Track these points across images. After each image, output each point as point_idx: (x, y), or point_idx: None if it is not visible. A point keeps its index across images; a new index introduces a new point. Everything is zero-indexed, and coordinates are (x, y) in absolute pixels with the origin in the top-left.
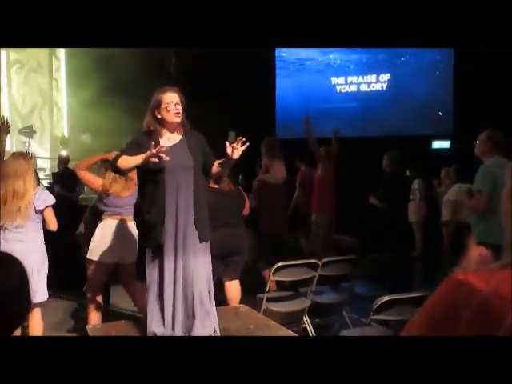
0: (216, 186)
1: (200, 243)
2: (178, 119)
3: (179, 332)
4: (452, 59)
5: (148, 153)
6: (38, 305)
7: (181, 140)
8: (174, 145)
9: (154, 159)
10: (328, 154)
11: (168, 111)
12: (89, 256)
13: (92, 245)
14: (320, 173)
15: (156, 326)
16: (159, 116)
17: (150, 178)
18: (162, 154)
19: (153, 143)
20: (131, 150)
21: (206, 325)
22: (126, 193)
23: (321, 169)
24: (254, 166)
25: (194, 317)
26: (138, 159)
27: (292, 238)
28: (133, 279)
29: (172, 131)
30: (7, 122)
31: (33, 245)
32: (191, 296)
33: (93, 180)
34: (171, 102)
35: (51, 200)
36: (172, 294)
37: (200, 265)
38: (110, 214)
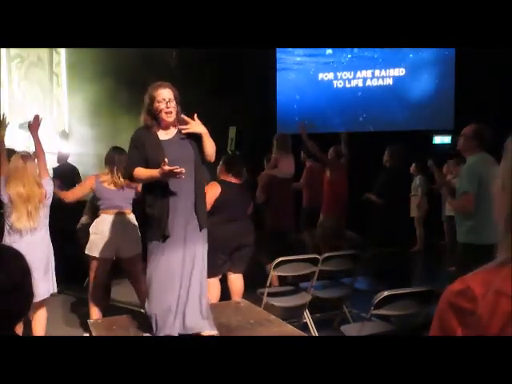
0: (228, 179)
1: (200, 231)
2: (170, 119)
3: (184, 326)
4: (453, 55)
5: (160, 171)
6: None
7: (177, 132)
8: (172, 138)
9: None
10: (338, 154)
11: (160, 111)
12: (87, 252)
13: (90, 240)
14: (329, 175)
15: (162, 324)
16: (153, 112)
17: None
18: (177, 171)
19: (166, 162)
20: (135, 154)
21: (204, 316)
22: (119, 186)
23: (330, 171)
24: (259, 161)
25: (195, 309)
26: (151, 175)
27: (298, 233)
28: (140, 274)
29: (168, 126)
30: (4, 118)
31: (42, 241)
32: (192, 287)
33: (82, 190)
34: (163, 99)
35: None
36: (178, 286)
37: (199, 254)
38: (104, 207)
